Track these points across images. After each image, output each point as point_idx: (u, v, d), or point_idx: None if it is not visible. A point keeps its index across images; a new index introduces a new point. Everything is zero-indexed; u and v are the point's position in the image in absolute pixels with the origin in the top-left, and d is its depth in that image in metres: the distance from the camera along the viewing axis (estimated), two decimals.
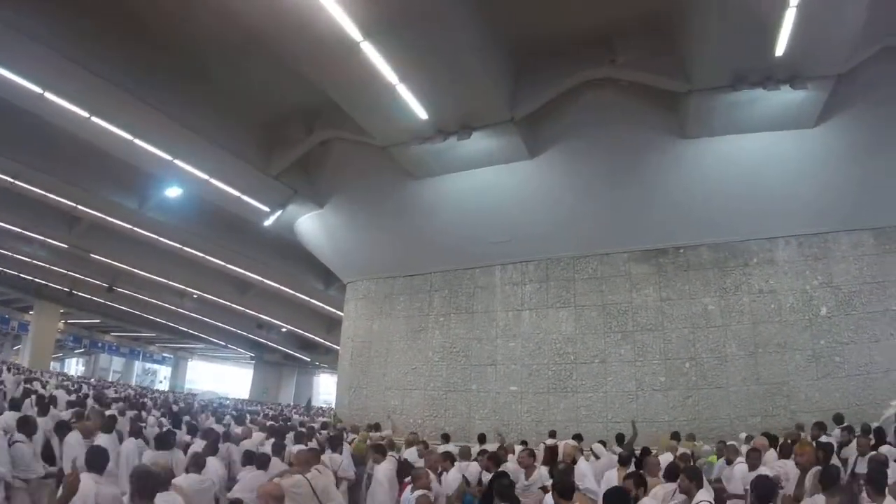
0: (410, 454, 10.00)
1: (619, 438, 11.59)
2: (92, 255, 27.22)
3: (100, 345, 54.21)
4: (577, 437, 11.70)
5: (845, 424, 11.12)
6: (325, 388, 57.23)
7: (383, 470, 7.82)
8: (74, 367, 59.93)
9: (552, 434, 12.88)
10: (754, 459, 7.80)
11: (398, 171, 15.31)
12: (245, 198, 17.24)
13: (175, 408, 19.44)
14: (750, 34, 10.07)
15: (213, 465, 7.42)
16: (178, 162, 15.61)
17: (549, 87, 12.84)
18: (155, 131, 14.47)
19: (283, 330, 41.05)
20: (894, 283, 13.16)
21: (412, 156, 14.35)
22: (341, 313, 20.94)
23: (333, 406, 20.81)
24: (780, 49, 10.23)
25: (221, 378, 63.72)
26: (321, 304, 32.12)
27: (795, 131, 12.58)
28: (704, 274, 14.27)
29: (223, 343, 48.74)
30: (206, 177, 16.30)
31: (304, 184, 17.27)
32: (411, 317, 17.31)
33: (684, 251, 14.51)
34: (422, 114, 12.42)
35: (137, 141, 14.65)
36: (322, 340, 39.94)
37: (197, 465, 6.65)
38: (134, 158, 16.00)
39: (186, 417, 14.26)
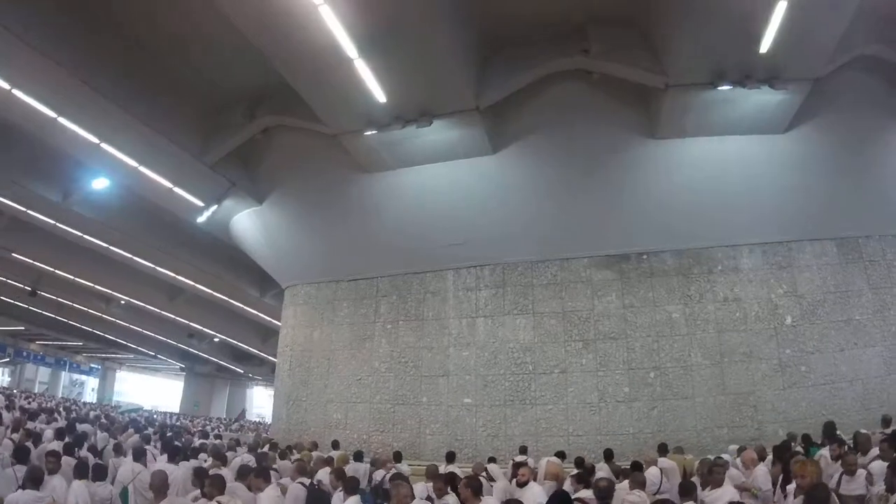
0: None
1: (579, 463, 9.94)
2: (13, 255, 24.35)
3: (25, 354, 50.20)
4: (560, 455, 10.20)
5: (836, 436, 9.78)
6: (259, 402, 55.18)
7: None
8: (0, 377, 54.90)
9: (523, 450, 11.50)
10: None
11: (347, 165, 13.56)
12: (177, 190, 15.07)
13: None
14: (735, 28, 9.36)
15: (56, 482, 6.50)
16: (105, 146, 13.41)
17: (519, 75, 11.51)
18: (81, 108, 12.31)
19: (216, 340, 38.17)
20: (857, 294, 12.76)
21: (365, 146, 12.59)
22: (277, 322, 19.10)
23: (269, 420, 18.61)
24: (764, 45, 9.57)
25: (151, 390, 60.29)
26: (256, 313, 29.76)
27: (764, 137, 11.95)
28: (668, 281, 13.23)
29: (152, 353, 45.57)
30: (135, 164, 14.10)
31: (243, 177, 15.25)
32: (356, 324, 15.39)
33: (647, 257, 13.43)
34: (380, 96, 10.77)
35: (61, 119, 12.47)
36: (257, 351, 37.56)
37: (33, 480, 6.07)
38: (57, 140, 13.72)
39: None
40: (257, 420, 42.68)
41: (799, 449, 9.29)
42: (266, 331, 32.44)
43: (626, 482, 7.38)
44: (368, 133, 11.92)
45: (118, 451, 9.92)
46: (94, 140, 13.11)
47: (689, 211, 12.72)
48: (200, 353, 42.09)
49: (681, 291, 13.06)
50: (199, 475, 6.71)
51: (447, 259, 14.36)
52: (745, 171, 12.26)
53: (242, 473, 7.37)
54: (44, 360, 52.02)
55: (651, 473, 8.13)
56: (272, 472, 7.80)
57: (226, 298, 27.95)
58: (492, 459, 10.21)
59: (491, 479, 8.98)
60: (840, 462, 6.93)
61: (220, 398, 52.02)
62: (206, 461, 9.24)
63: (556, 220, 13.28)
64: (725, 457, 9.22)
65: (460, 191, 13.29)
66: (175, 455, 8.71)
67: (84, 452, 9.40)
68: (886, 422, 10.80)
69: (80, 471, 6.77)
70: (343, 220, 14.71)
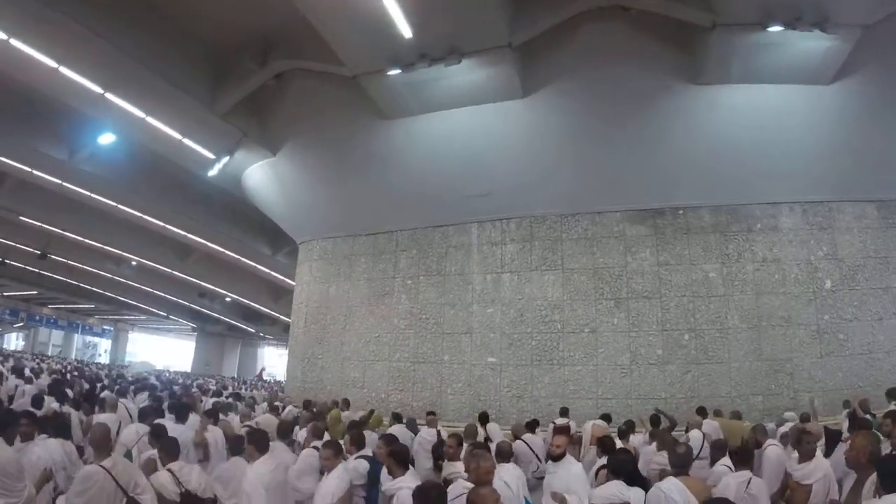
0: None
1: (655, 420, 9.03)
2: (21, 218, 23.32)
3: (38, 318, 49.79)
4: (606, 418, 9.26)
5: None
6: (270, 362, 54.23)
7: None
8: (14, 341, 55.35)
9: (563, 412, 10.46)
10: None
11: (365, 111, 12.32)
12: (187, 142, 13.98)
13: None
14: None
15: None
16: (109, 96, 12.28)
17: (555, 11, 10.18)
18: (83, 57, 11.23)
19: (227, 299, 36.94)
20: None
21: (387, 88, 11.35)
22: (290, 281, 18.06)
23: (282, 379, 17.57)
24: None
25: (163, 350, 59.51)
26: (268, 271, 28.46)
27: (808, 88, 10.71)
28: (705, 238, 12.11)
29: (164, 314, 44.42)
30: (142, 114, 12.99)
31: (255, 126, 14.02)
32: (374, 280, 14.29)
33: (683, 213, 12.28)
34: (406, 31, 9.53)
35: (63, 69, 11.40)
36: (268, 311, 36.23)
37: None
38: (59, 93, 12.65)
39: None
40: (269, 380, 41.66)
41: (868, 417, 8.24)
42: (278, 290, 31.22)
43: (654, 444, 7.04)
44: (391, 73, 10.67)
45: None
46: (98, 90, 12.07)
47: (729, 164, 11.56)
48: (212, 313, 41.28)
49: (718, 250, 11.97)
50: (158, 434, 5.67)
51: (471, 211, 13.21)
52: (787, 123, 11.06)
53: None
54: (56, 324, 51.78)
55: (693, 437, 7.60)
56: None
57: (237, 257, 26.78)
58: (534, 422, 9.09)
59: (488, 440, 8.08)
60: None
61: (232, 358, 51.02)
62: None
63: (587, 170, 12.11)
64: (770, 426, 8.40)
65: (486, 138, 12.08)
66: (184, 414, 7.58)
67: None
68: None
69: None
70: (361, 170, 13.54)
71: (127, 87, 12.21)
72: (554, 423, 8.99)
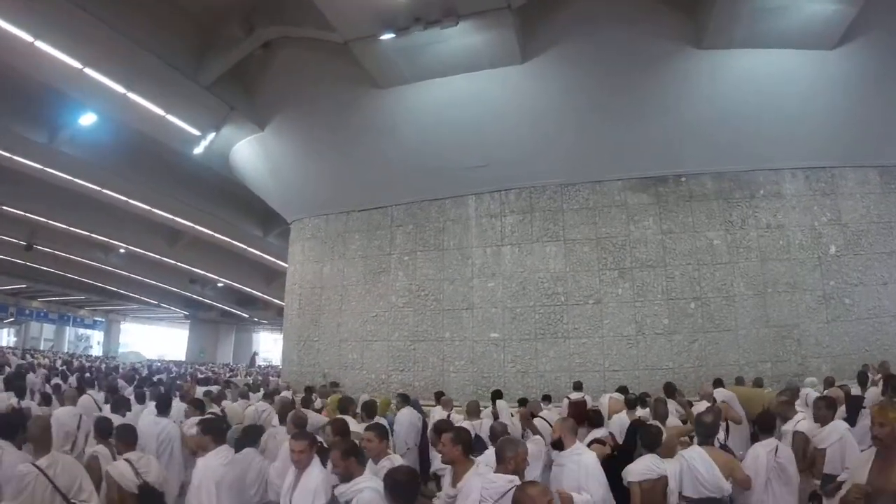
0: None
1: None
2: (3, 208, 22.32)
3: (28, 312, 48.12)
4: (622, 390, 8.82)
5: None
6: (266, 347, 53.22)
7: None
8: (6, 338, 53.14)
9: (577, 386, 10.02)
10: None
11: (357, 81, 11.63)
12: (171, 118, 13.24)
13: None
14: None
15: None
16: (89, 71, 11.51)
17: None
18: (60, 29, 10.49)
19: (219, 285, 36.20)
20: None
21: (379, 55, 10.69)
22: (282, 263, 17.34)
23: (278, 364, 16.88)
24: None
25: (157, 340, 58.17)
26: (259, 254, 27.74)
27: (811, 53, 10.45)
28: (708, 205, 11.79)
29: (155, 302, 43.39)
30: (123, 90, 12.21)
31: (242, 100, 13.26)
32: (369, 257, 13.66)
33: (686, 180, 11.92)
34: None
35: (39, 44, 10.66)
36: (261, 294, 35.44)
37: None
38: (36, 70, 11.94)
39: None
40: (265, 364, 40.87)
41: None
42: (270, 272, 30.53)
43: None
44: (385, 37, 10.03)
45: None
46: (77, 65, 11.33)
47: (731, 130, 11.20)
48: (204, 300, 40.38)
49: (722, 217, 11.65)
50: (101, 428, 5.04)
51: (468, 183, 12.62)
52: (790, 89, 10.74)
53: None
54: (47, 317, 50.02)
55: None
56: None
57: (227, 240, 25.96)
58: (546, 398, 8.62)
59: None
60: None
61: (226, 344, 50.03)
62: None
63: (588, 137, 11.58)
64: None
65: (483, 106, 11.48)
66: (165, 406, 6.62)
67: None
68: None
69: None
70: (353, 143, 12.85)
71: (107, 62, 11.46)
72: (568, 397, 8.47)
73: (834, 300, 11.16)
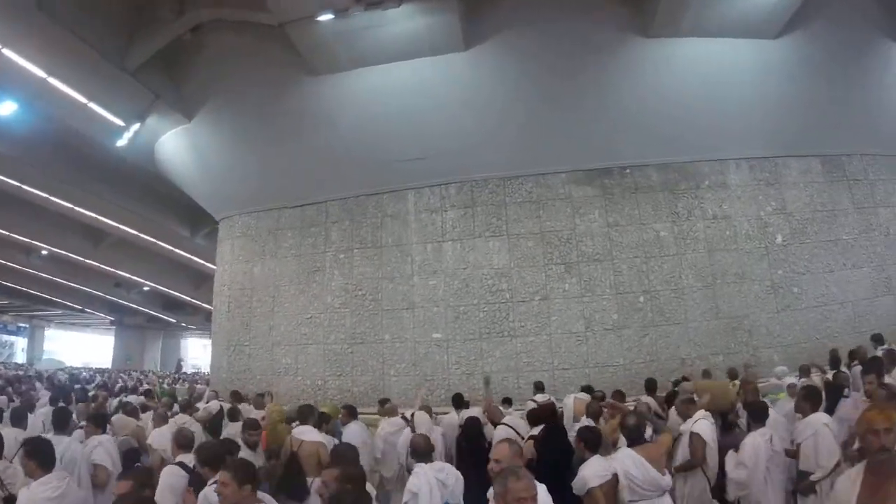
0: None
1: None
2: None
3: None
4: (588, 389, 8.21)
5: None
6: (194, 353, 51.62)
7: None
8: None
9: (539, 387, 9.36)
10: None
11: (291, 67, 10.79)
12: (93, 106, 11.99)
13: None
14: None
15: None
16: (7, 52, 10.27)
17: None
18: None
19: (146, 288, 34.34)
20: (843, 213, 11.70)
21: (316, 39, 9.90)
22: (211, 265, 16.11)
23: (208, 371, 15.63)
24: None
25: (83, 347, 54.16)
26: (187, 255, 26.40)
27: (755, 42, 10.44)
28: (654, 197, 11.41)
29: (79, 307, 40.71)
30: (43, 74, 10.99)
31: (169, 88, 12.20)
32: (303, 255, 12.64)
33: (630, 172, 11.48)
34: None
35: None
36: (189, 299, 33.88)
37: None
38: None
39: None
40: (193, 371, 39.00)
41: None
42: (199, 275, 29.10)
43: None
44: (322, 18, 9.27)
45: None
46: None
47: (676, 121, 10.85)
48: (130, 304, 38.18)
49: (668, 208, 11.28)
50: (35, 450, 3.84)
51: (407, 176, 11.83)
52: (734, 78, 10.60)
53: None
54: None
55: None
56: None
57: (153, 240, 24.52)
58: (506, 400, 8.20)
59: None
60: None
61: (153, 350, 47.76)
62: None
63: (531, 129, 10.99)
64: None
65: (424, 95, 10.74)
66: (64, 423, 5.37)
67: None
68: (878, 340, 9.68)
69: None
70: (286, 135, 11.89)
71: (25, 42, 10.24)
72: (534, 400, 7.65)
73: (782, 289, 11.00)
